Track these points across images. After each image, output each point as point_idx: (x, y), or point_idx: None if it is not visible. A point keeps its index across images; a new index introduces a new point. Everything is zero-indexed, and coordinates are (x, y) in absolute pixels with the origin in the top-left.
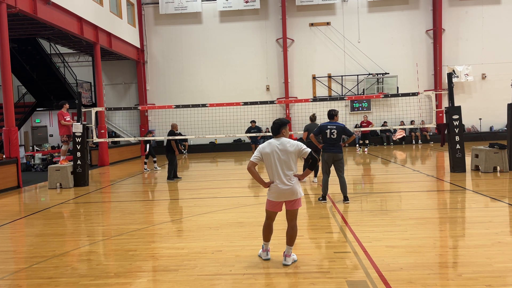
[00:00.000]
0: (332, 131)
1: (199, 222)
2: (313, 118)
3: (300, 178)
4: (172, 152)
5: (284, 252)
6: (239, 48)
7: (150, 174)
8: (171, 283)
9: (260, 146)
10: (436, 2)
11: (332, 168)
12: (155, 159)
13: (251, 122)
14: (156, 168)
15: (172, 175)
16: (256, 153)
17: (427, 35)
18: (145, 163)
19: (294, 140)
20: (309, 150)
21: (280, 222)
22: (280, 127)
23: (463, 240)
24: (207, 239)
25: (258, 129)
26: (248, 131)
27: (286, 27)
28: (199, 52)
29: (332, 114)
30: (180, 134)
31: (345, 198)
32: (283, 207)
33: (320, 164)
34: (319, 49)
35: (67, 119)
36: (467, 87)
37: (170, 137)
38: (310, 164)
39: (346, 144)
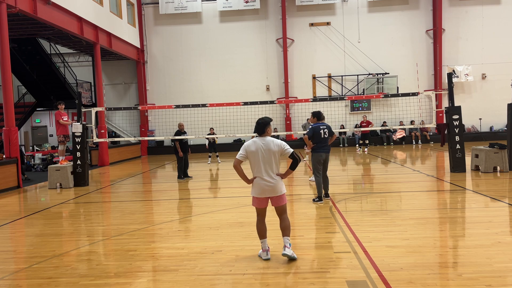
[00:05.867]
0: (325, 131)
1: (199, 222)
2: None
3: (283, 177)
4: (177, 152)
5: (284, 245)
6: (239, 48)
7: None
8: (171, 283)
9: (245, 144)
10: (436, 2)
11: None
12: (212, 154)
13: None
14: (209, 161)
15: (182, 175)
16: (241, 151)
17: (427, 35)
18: (216, 156)
19: (294, 140)
20: (291, 150)
21: (277, 221)
22: (264, 126)
23: (463, 240)
24: (207, 239)
25: None
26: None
27: (286, 27)
28: (199, 52)
29: (322, 116)
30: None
31: (327, 195)
32: (270, 204)
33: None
34: (319, 49)
35: (64, 118)
36: (467, 87)
37: (173, 137)
38: (292, 164)
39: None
